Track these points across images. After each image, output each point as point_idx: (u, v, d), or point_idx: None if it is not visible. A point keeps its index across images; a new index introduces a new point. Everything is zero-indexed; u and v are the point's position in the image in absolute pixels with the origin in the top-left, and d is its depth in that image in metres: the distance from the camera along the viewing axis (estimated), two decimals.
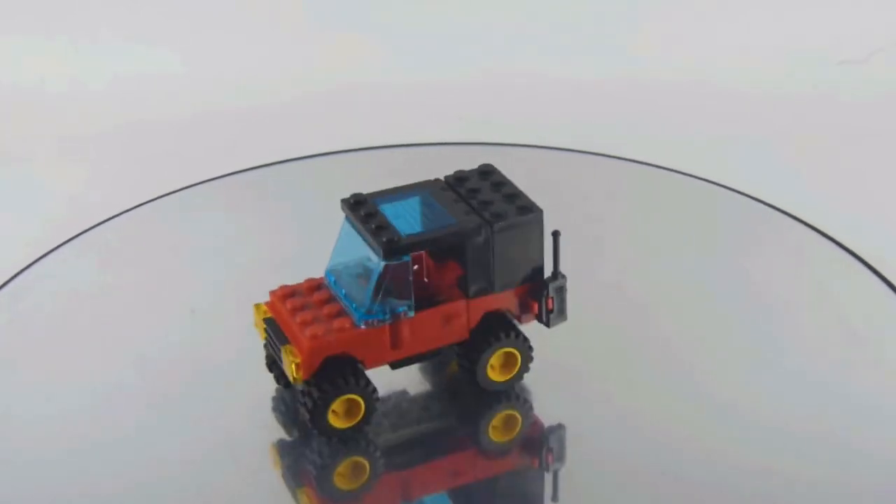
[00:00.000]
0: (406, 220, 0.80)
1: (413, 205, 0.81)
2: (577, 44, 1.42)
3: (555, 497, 0.79)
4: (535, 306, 0.82)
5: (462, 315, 0.80)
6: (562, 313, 0.83)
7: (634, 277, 0.97)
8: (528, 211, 0.80)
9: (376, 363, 0.80)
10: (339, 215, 0.82)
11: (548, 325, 0.83)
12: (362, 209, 0.80)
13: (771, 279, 0.97)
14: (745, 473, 0.78)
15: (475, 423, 0.83)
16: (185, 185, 1.11)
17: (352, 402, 0.79)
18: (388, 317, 0.78)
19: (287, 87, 1.38)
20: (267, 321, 0.81)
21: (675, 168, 1.12)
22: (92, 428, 0.84)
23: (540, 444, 0.82)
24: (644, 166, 1.13)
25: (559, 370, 0.86)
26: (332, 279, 0.81)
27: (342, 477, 0.79)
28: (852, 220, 1.07)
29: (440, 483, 0.80)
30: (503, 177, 0.83)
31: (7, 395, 0.87)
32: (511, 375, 0.83)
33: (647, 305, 0.93)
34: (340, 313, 0.79)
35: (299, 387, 0.79)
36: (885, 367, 0.87)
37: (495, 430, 0.82)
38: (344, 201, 0.81)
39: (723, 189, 1.08)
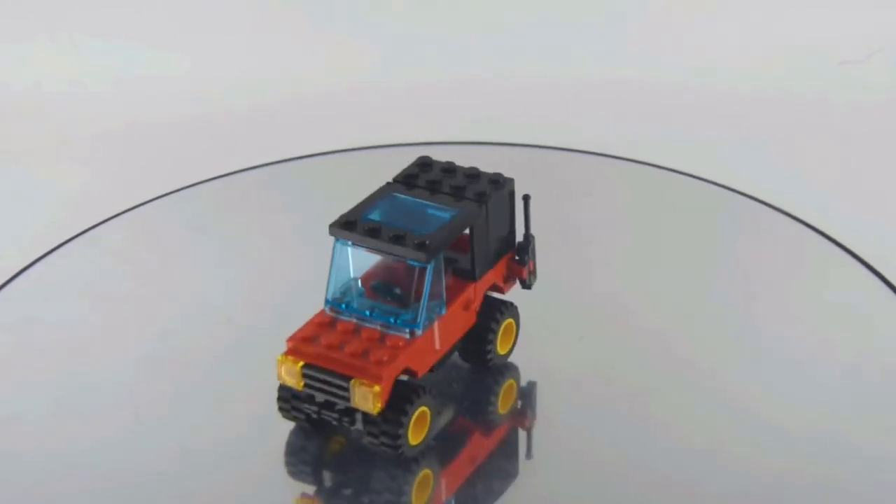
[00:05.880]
0: (408, 223, 0.79)
1: (396, 209, 0.80)
2: (577, 44, 1.42)
3: (529, 455, 0.81)
4: (523, 272, 0.84)
5: (474, 300, 0.82)
6: (534, 272, 0.86)
7: (633, 277, 0.97)
8: (502, 184, 0.82)
9: (424, 370, 0.79)
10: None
11: (529, 287, 0.85)
12: (359, 227, 0.78)
13: (771, 279, 0.97)
14: (739, 468, 0.78)
15: (484, 404, 0.83)
16: (185, 185, 1.11)
17: (419, 416, 0.78)
18: (432, 319, 0.78)
19: (287, 87, 1.39)
20: (308, 367, 0.76)
21: (674, 168, 1.12)
22: (92, 429, 0.84)
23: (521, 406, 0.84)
24: (644, 166, 1.13)
25: (557, 369, 0.86)
26: (343, 307, 0.79)
27: (419, 494, 0.78)
28: (852, 220, 1.07)
29: (467, 471, 0.80)
30: (447, 163, 0.84)
31: (8, 394, 0.87)
32: (510, 346, 0.85)
33: (646, 304, 0.93)
34: (383, 335, 0.77)
35: (371, 419, 0.76)
36: (885, 367, 0.87)
37: (502, 402, 0.83)
38: (335, 225, 0.79)
39: (722, 189, 1.08)
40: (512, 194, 0.82)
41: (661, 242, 1.01)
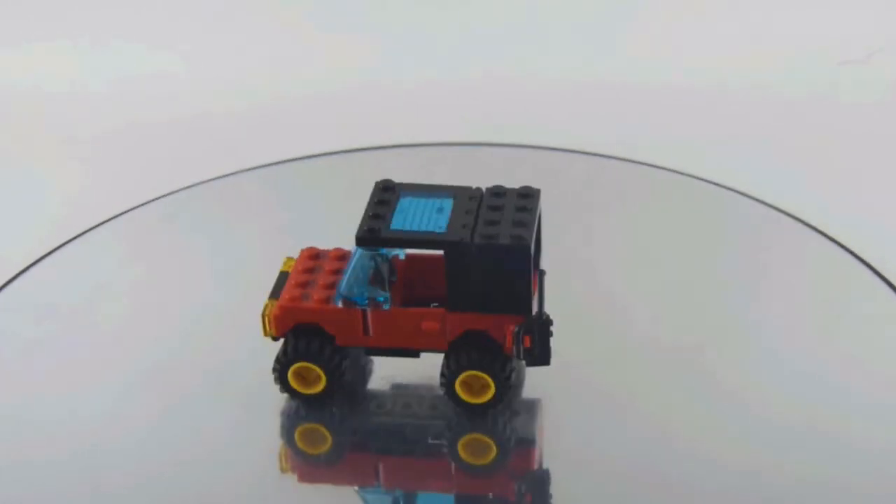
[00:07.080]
0: (410, 216, 0.80)
1: (433, 205, 0.81)
2: (576, 44, 1.42)
3: None
4: (508, 339, 0.79)
5: (436, 324, 0.80)
6: (544, 356, 0.79)
7: (634, 277, 0.97)
8: (517, 240, 0.77)
9: (348, 343, 0.81)
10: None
11: (526, 363, 0.80)
12: (382, 195, 0.81)
13: (771, 279, 0.97)
14: (748, 479, 0.78)
15: (450, 436, 0.82)
16: (184, 185, 1.11)
17: (306, 371, 0.82)
18: (364, 302, 0.80)
19: (287, 87, 1.38)
20: (281, 273, 0.84)
21: (675, 168, 1.12)
22: (90, 426, 0.84)
23: (519, 479, 0.80)
24: (644, 166, 1.13)
25: (558, 372, 0.86)
26: (356, 253, 0.82)
27: (303, 438, 0.82)
28: (852, 220, 1.07)
29: (405, 480, 0.80)
30: (534, 203, 0.81)
31: (7, 395, 0.87)
32: (483, 400, 0.81)
33: (646, 306, 0.93)
34: (334, 286, 0.82)
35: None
36: (885, 367, 0.87)
37: (465, 449, 0.81)
38: (379, 181, 0.83)
39: (722, 189, 1.08)
40: (522, 258, 0.77)
41: (661, 243, 1.01)
